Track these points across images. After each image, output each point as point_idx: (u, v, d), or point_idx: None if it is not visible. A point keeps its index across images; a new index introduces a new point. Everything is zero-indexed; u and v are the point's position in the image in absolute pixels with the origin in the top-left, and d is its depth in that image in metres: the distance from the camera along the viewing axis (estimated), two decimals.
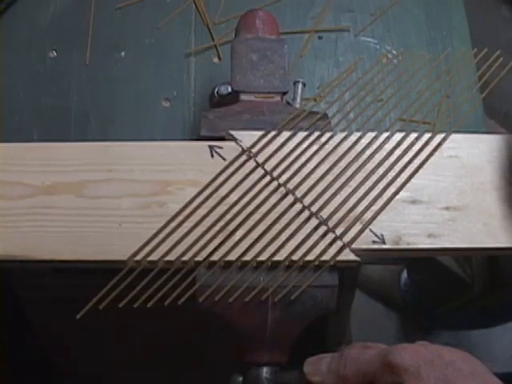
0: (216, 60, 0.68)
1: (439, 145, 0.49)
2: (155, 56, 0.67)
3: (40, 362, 0.89)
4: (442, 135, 0.49)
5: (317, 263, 0.44)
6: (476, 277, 0.89)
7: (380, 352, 0.38)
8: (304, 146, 0.48)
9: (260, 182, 0.46)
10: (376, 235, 0.45)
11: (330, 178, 0.47)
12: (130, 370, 0.85)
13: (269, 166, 0.47)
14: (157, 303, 0.42)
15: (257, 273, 0.43)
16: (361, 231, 0.45)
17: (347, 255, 0.44)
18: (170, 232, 0.44)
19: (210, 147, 0.48)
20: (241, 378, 0.45)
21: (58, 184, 0.46)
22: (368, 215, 0.46)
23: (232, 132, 0.48)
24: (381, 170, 0.47)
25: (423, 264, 1.05)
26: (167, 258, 0.44)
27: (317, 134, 0.48)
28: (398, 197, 0.47)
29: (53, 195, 0.46)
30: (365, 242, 0.45)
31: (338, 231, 0.45)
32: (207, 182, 0.46)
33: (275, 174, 0.47)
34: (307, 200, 0.46)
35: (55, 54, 0.67)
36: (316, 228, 0.45)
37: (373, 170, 0.47)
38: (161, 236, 0.44)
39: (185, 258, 0.44)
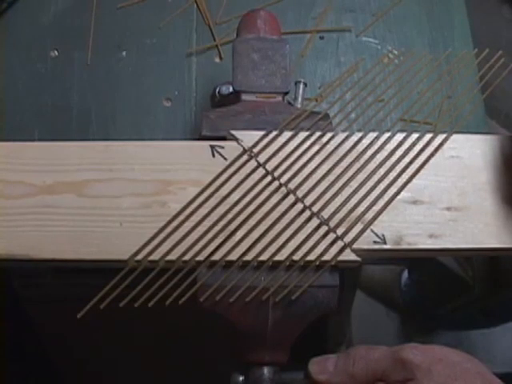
0: (217, 60, 0.68)
1: (440, 145, 0.49)
2: (156, 56, 0.67)
3: (40, 362, 0.89)
4: (444, 136, 0.49)
5: (318, 263, 0.44)
6: (477, 277, 0.89)
7: (390, 350, 0.39)
8: (305, 146, 0.48)
9: (261, 182, 0.46)
10: (377, 235, 0.45)
11: (331, 178, 0.47)
12: (130, 370, 0.85)
13: (270, 166, 0.47)
14: (157, 303, 0.42)
15: (258, 273, 0.43)
16: (362, 231, 0.45)
17: (348, 255, 0.44)
18: (170, 232, 0.44)
19: (212, 147, 0.48)
20: (241, 378, 0.45)
21: (59, 183, 0.46)
22: (369, 215, 0.46)
23: (233, 132, 0.48)
24: (382, 171, 0.47)
25: (424, 264, 1.04)
26: (168, 258, 0.44)
27: (318, 134, 0.48)
28: (399, 197, 0.47)
29: (54, 194, 0.46)
30: (366, 242, 0.45)
31: (339, 231, 0.45)
32: (208, 182, 0.46)
33: (276, 173, 0.47)
34: (308, 200, 0.46)
35: (56, 53, 0.67)
36: (317, 228, 0.45)
37: (374, 170, 0.47)
38: (162, 236, 0.44)
39: (186, 258, 0.44)
